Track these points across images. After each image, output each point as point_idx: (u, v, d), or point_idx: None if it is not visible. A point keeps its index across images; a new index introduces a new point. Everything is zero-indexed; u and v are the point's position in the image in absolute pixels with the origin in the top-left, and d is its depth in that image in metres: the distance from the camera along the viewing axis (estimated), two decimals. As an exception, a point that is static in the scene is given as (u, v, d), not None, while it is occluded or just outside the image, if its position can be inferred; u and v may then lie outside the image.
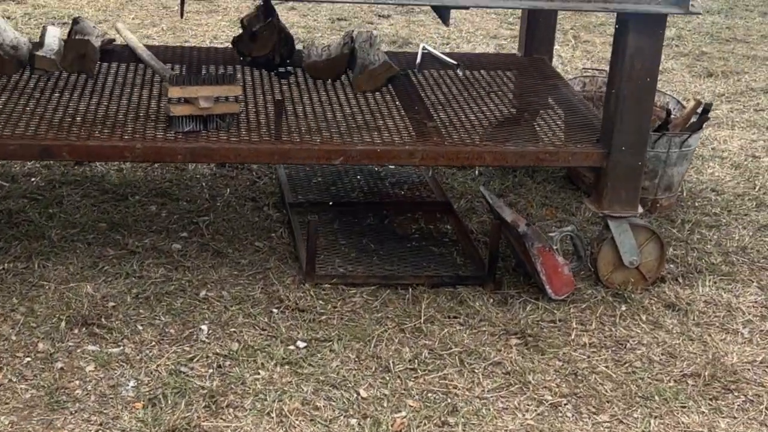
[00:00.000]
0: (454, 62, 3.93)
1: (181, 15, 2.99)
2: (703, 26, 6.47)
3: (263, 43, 3.63)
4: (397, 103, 3.55)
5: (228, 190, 3.81)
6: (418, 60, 3.93)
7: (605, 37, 6.08)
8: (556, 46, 4.97)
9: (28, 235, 3.35)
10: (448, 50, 5.73)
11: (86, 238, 3.36)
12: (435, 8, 3.06)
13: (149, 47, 3.86)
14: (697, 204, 3.97)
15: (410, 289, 3.21)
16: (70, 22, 3.68)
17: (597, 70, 4.49)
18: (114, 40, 3.88)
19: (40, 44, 3.52)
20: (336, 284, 3.20)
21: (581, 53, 5.82)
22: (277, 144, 3.11)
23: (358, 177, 4.00)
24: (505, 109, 3.60)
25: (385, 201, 3.83)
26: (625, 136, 3.17)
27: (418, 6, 3.04)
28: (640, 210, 3.27)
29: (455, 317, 3.09)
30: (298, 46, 3.77)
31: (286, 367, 2.79)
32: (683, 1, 2.99)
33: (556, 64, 5.38)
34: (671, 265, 3.47)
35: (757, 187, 4.14)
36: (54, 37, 3.59)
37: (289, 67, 3.74)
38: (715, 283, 3.40)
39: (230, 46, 3.72)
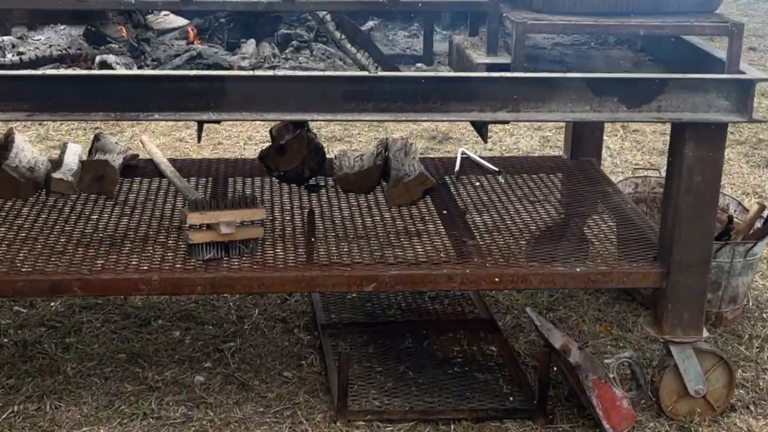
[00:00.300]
0: (496, 169, 3.69)
1: (199, 140, 2.80)
2: (758, 110, 6.15)
3: (292, 156, 3.44)
4: (435, 217, 3.31)
5: (256, 310, 3.58)
6: (457, 167, 3.70)
7: (655, 126, 5.80)
8: (604, 137, 4.71)
9: (41, 370, 3.14)
10: (490, 143, 5.51)
11: (104, 371, 3.14)
12: (472, 123, 2.84)
13: (174, 161, 3.69)
14: (765, 315, 3.63)
15: (452, 425, 2.92)
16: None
17: (649, 168, 4.23)
18: (137, 155, 3.72)
19: (58, 164, 3.36)
20: (370, 421, 2.93)
21: (631, 144, 5.55)
22: (304, 271, 2.88)
23: (396, 291, 3.74)
24: (551, 221, 3.33)
25: (425, 319, 3.57)
26: (685, 254, 2.88)
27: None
28: (706, 334, 2.96)
29: (503, 459, 2.80)
30: (333, 150, 3.58)
31: None
32: (745, 108, 2.72)
33: (605, 157, 5.10)
34: (741, 391, 3.14)
35: (831, 294, 3.80)
36: (74, 155, 3.43)
37: (319, 180, 3.54)
38: (793, 411, 3.06)
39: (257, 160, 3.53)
